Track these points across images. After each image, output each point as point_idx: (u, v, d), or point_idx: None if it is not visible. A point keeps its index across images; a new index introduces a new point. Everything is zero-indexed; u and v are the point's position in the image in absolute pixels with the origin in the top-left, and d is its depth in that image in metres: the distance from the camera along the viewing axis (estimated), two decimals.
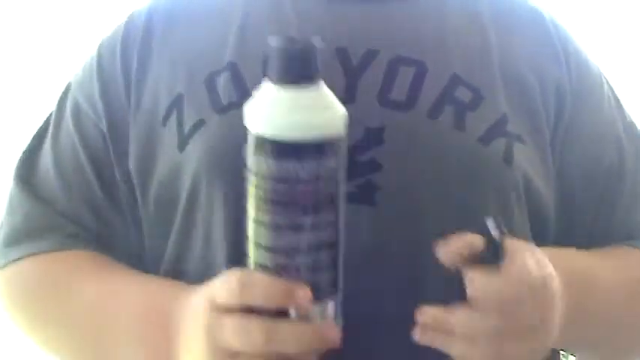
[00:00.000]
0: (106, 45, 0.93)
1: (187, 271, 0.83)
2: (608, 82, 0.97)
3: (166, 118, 0.85)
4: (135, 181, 0.87)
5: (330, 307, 0.67)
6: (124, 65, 0.89)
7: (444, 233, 0.71)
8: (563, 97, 0.89)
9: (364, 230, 0.77)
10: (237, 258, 0.72)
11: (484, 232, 0.69)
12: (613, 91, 0.97)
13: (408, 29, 0.87)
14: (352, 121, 0.78)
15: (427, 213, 0.79)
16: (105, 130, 0.90)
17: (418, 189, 0.79)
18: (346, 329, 0.68)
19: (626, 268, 0.88)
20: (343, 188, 0.67)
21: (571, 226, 0.90)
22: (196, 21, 0.90)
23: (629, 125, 0.96)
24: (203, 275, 0.76)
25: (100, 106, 0.90)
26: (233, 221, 0.78)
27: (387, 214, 0.78)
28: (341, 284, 0.68)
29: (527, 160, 0.84)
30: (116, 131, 0.89)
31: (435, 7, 0.89)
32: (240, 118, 0.76)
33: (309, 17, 0.86)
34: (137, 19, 0.92)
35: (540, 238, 0.84)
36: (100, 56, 0.93)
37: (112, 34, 0.93)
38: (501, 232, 0.69)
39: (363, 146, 0.79)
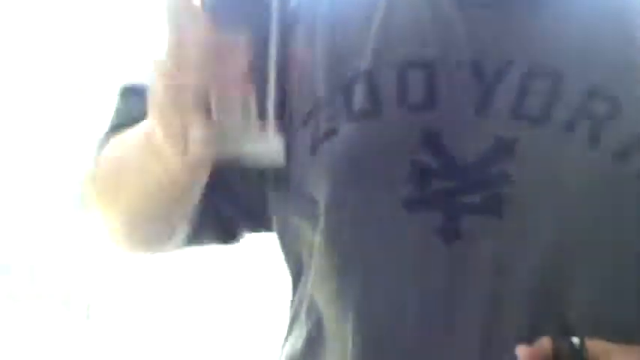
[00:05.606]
0: None
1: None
2: None
3: (306, 122, 0.86)
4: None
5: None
6: None
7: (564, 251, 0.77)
8: None
9: (489, 243, 0.79)
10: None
11: (566, 340, 0.71)
12: None
13: (545, 37, 0.85)
14: (484, 133, 0.80)
15: (550, 230, 0.80)
16: None
17: (546, 204, 0.80)
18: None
19: None
20: None
21: None
22: (338, 23, 0.89)
23: None
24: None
25: None
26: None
27: (512, 227, 0.79)
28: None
29: None
30: None
31: (574, 12, 0.87)
32: (371, 128, 0.82)
33: (446, 26, 0.86)
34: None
35: None
36: None
37: None
38: (582, 340, 0.71)
39: (494, 158, 0.80)
